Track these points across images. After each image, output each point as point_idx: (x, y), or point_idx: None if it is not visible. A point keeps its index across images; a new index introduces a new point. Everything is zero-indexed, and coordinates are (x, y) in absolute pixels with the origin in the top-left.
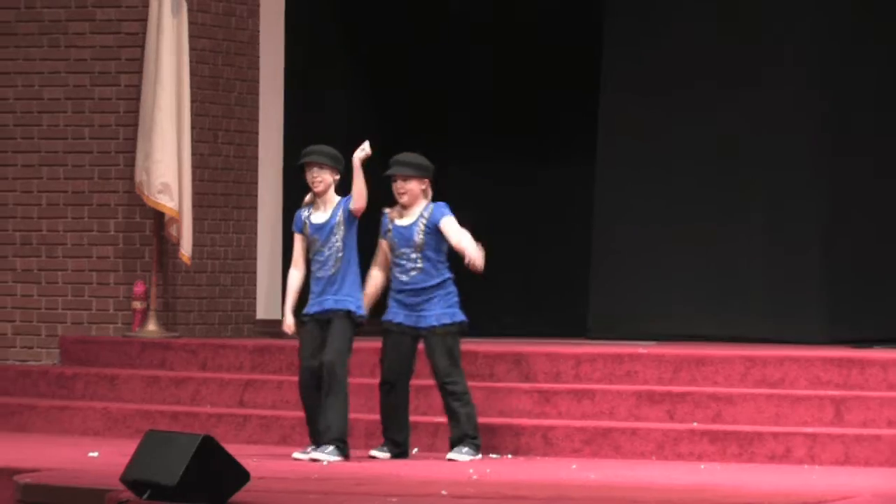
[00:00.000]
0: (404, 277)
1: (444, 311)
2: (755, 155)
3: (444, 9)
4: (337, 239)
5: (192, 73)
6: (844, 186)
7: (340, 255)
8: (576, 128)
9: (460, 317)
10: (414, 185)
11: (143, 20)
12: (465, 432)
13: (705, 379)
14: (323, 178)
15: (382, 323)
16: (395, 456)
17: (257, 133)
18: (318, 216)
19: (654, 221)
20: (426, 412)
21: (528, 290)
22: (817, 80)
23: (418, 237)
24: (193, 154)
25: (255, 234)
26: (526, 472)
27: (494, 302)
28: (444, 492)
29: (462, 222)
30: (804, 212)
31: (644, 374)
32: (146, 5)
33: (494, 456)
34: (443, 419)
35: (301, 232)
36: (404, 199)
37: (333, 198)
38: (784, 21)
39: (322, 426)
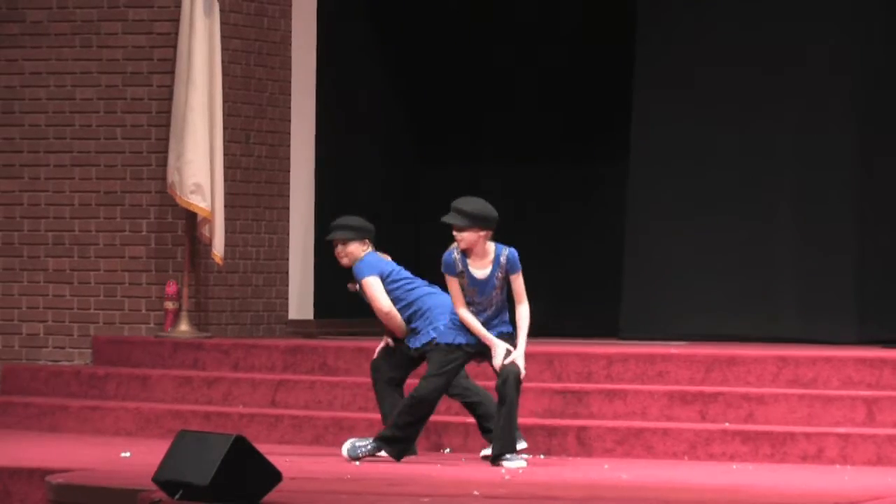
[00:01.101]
0: None
1: None
2: (787, 154)
3: (477, 7)
4: (497, 293)
5: (224, 74)
6: (876, 186)
7: (499, 300)
8: (609, 127)
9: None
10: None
11: (176, 20)
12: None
13: (737, 379)
14: (465, 238)
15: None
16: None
17: (289, 133)
18: (479, 271)
19: (685, 221)
20: (458, 412)
21: (560, 291)
22: (859, 75)
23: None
24: (225, 154)
25: (287, 234)
26: (558, 472)
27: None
28: (476, 492)
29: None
30: (835, 212)
31: (676, 375)
32: (178, 5)
33: (526, 456)
34: (472, 420)
35: (455, 276)
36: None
37: (487, 250)
38: (832, 16)
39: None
